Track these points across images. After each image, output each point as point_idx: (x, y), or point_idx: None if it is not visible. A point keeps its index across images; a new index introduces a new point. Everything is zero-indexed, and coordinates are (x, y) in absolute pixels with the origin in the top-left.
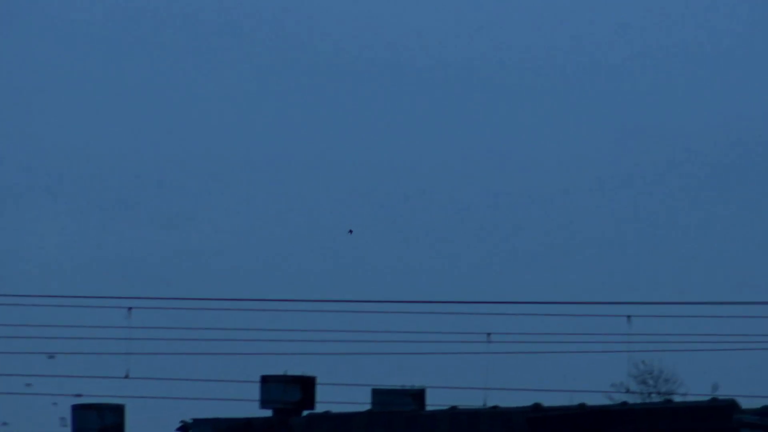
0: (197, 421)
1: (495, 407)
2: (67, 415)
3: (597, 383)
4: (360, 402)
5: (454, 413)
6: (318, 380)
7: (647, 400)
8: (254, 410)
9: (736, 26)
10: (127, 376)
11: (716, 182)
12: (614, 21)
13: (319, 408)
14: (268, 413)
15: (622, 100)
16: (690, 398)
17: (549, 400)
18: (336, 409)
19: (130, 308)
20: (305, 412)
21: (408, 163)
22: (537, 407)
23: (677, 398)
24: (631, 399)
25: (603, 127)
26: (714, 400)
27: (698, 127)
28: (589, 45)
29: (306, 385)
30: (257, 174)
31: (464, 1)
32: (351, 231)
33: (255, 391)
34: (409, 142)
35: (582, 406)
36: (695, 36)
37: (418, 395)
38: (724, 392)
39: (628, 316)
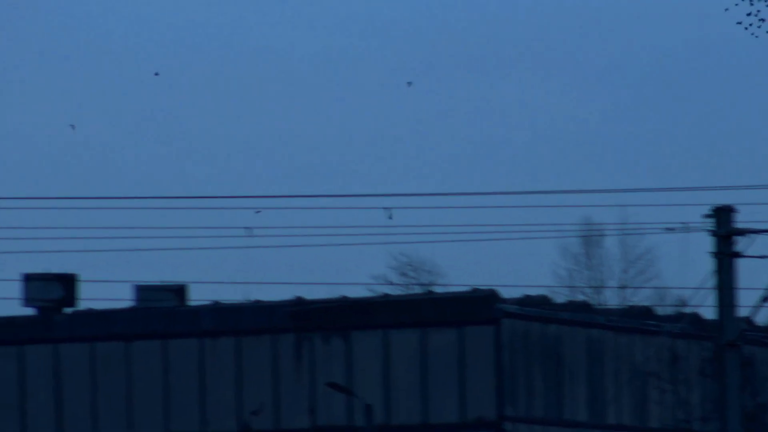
0: None
1: (258, 301)
2: None
3: (358, 276)
4: (122, 299)
5: (216, 308)
6: (80, 277)
7: (408, 292)
8: (17, 308)
9: None
10: None
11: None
12: None
13: (82, 305)
14: (30, 311)
15: None
16: (451, 289)
17: (311, 294)
18: (99, 306)
19: None
20: (68, 310)
21: None
22: (299, 300)
23: (439, 289)
24: (393, 291)
25: None
26: (475, 290)
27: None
28: None
29: (67, 282)
30: None
31: None
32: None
33: (17, 290)
34: None
35: (344, 298)
36: None
37: (180, 291)
38: (485, 282)
39: (388, 208)
